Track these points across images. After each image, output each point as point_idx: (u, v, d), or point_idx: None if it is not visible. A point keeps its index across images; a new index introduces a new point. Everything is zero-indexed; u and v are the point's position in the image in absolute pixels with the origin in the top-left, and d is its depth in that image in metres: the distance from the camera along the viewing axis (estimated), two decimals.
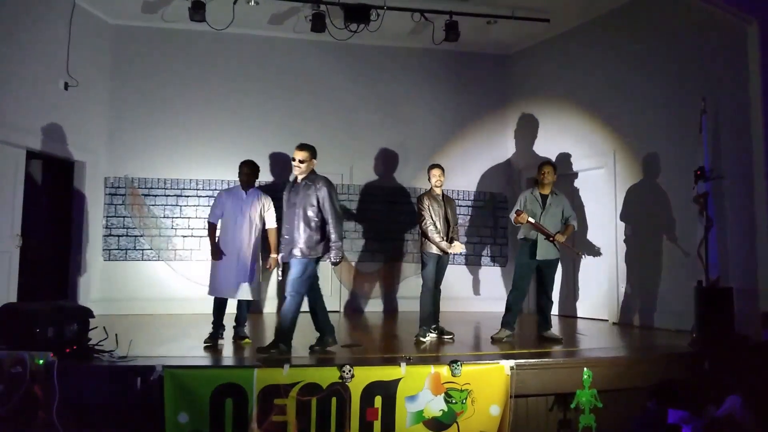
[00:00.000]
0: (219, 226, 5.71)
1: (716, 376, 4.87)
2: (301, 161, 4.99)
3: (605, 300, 7.43)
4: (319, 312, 5.17)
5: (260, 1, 7.15)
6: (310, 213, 4.94)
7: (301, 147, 5.06)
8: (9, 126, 6.35)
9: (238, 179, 5.76)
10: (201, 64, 8.21)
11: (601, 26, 7.65)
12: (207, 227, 5.80)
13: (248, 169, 5.67)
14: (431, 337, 5.75)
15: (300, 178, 5.06)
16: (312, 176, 5.08)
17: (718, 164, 6.04)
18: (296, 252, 4.93)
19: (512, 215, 5.88)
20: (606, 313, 7.39)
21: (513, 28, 8.03)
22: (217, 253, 5.54)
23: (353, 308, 8.37)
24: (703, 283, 5.66)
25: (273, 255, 5.65)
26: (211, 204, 6.06)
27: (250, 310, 5.93)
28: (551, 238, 5.73)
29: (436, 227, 5.75)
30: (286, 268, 5.16)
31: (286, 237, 5.01)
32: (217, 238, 5.65)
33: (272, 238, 5.70)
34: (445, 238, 5.77)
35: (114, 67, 8.00)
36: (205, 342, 5.37)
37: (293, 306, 4.92)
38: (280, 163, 8.19)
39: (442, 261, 5.86)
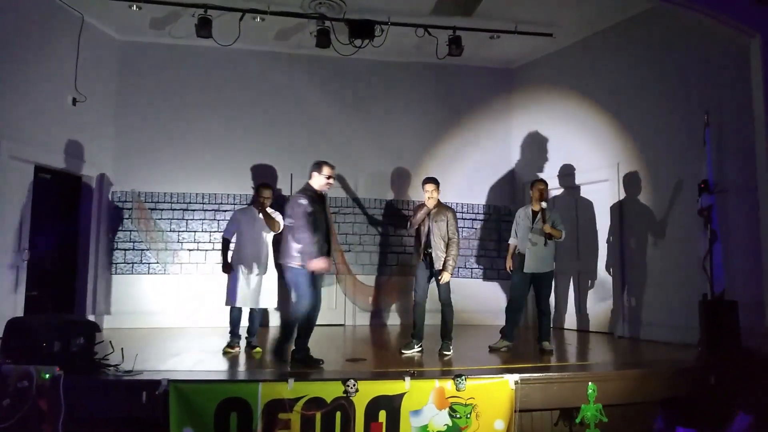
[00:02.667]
0: (234, 241, 6.06)
1: (723, 391, 4.84)
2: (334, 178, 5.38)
3: (610, 313, 7.41)
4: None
5: (266, 17, 7.22)
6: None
7: (332, 165, 5.33)
8: (18, 141, 6.44)
9: (253, 198, 6.18)
10: (207, 80, 8.30)
11: (605, 40, 7.70)
12: (221, 242, 6.13)
13: (269, 193, 6.07)
14: (413, 351, 5.78)
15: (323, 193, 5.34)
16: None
17: (722, 177, 6.05)
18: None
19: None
20: (611, 326, 7.37)
21: (516, 43, 8.09)
22: (226, 266, 5.95)
23: (359, 321, 8.37)
24: (708, 297, 5.64)
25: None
26: (217, 218, 6.36)
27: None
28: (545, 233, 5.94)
29: (419, 239, 5.97)
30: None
31: (324, 245, 5.11)
32: (230, 253, 6.03)
33: (273, 223, 5.99)
34: (423, 250, 5.89)
35: (121, 83, 8.09)
36: (224, 351, 5.75)
37: None
38: (288, 177, 8.28)
39: (431, 273, 5.90)
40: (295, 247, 5.00)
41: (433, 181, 5.95)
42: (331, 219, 5.31)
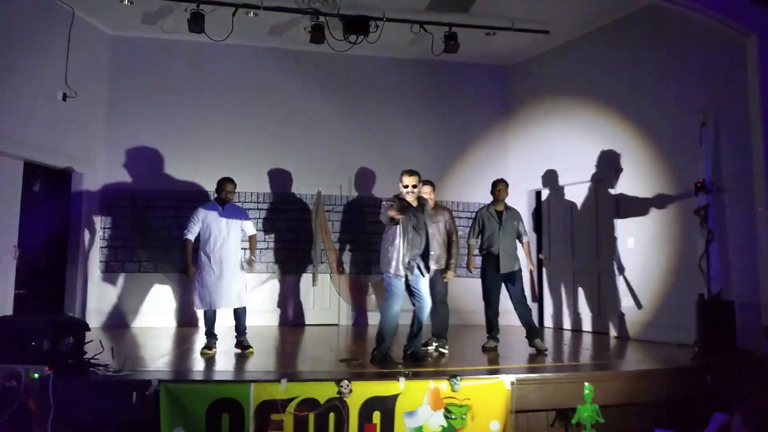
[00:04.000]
0: (199, 240, 5.81)
1: (718, 391, 4.82)
2: (414, 186, 5.10)
3: (607, 313, 7.38)
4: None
5: (259, 12, 7.14)
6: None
7: (413, 173, 5.14)
8: (7, 137, 6.34)
9: (217, 194, 5.86)
10: (200, 75, 8.22)
11: (601, 38, 7.66)
12: (184, 243, 5.78)
13: (233, 187, 5.87)
14: (427, 349, 5.82)
15: (416, 203, 5.15)
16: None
17: (718, 176, 6.02)
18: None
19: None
20: (608, 326, 7.34)
21: (512, 40, 8.04)
22: (189, 269, 5.72)
23: (353, 321, 8.33)
24: (705, 297, 5.62)
25: (252, 258, 6.06)
26: None
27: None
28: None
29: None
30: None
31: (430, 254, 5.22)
32: (199, 253, 5.78)
33: (253, 244, 6.07)
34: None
35: (112, 78, 8.00)
36: (201, 353, 5.55)
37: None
38: (282, 175, 8.23)
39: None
40: (383, 253, 5.07)
41: (427, 182, 5.87)
42: (428, 228, 5.19)
